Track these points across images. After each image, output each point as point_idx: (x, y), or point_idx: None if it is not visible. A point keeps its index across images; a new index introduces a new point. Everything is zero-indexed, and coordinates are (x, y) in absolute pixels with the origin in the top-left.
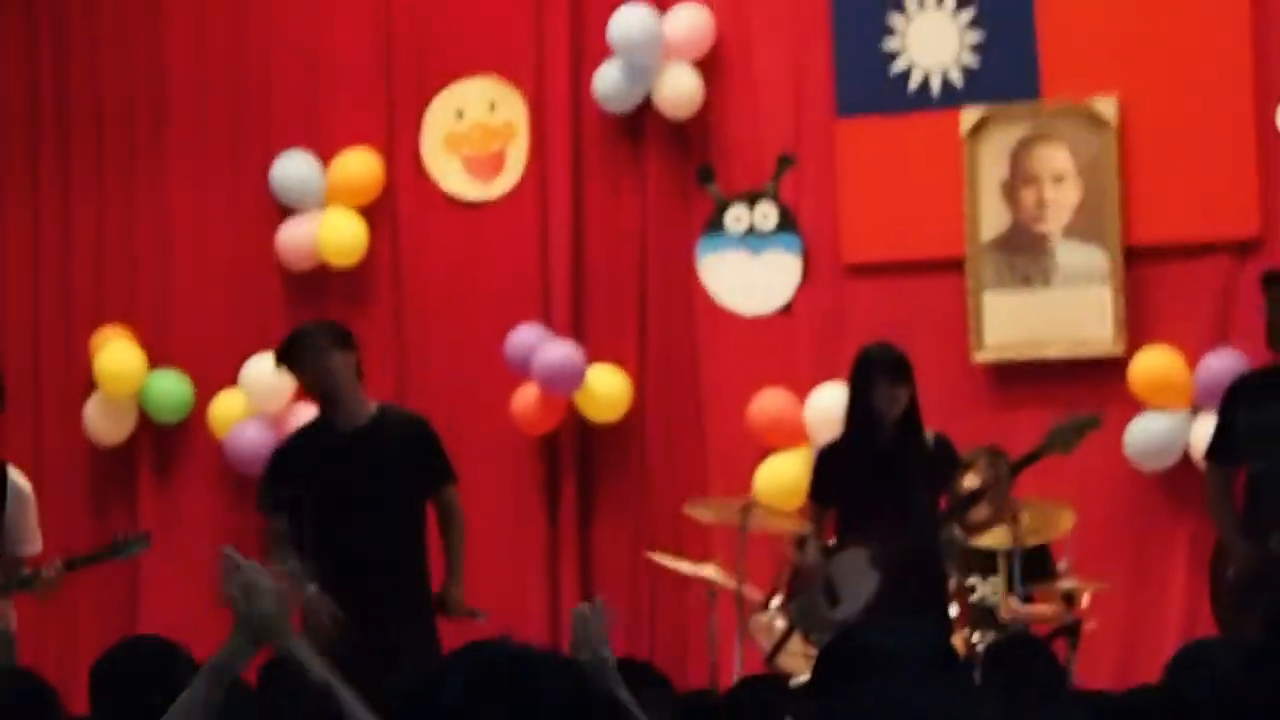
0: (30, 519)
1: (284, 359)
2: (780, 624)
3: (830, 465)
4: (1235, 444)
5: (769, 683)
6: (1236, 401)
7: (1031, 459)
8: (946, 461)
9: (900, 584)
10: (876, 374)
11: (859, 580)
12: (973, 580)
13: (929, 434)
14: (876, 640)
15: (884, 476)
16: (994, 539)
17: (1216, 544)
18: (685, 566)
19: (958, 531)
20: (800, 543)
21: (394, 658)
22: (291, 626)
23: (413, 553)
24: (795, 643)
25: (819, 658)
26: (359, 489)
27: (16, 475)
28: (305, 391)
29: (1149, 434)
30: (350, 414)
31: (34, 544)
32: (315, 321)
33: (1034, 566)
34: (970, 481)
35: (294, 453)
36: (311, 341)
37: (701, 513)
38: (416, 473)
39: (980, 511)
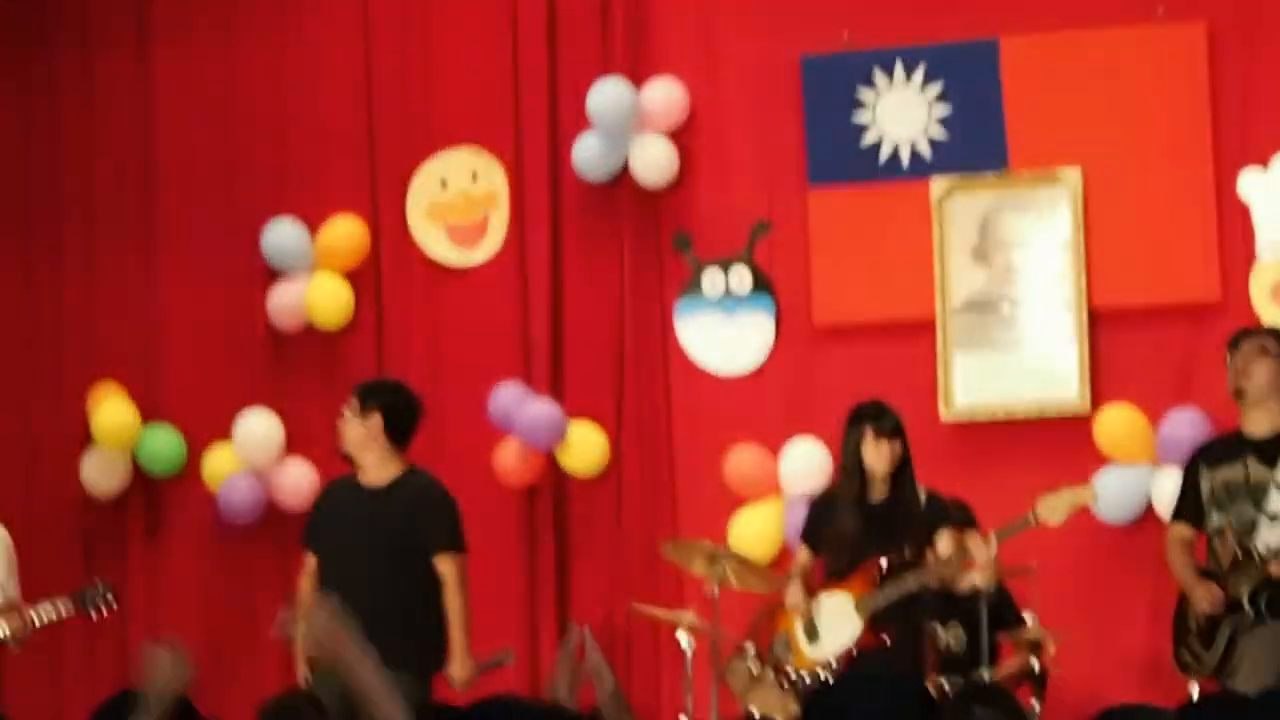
0: (7, 566)
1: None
2: (755, 667)
3: (823, 513)
4: (1199, 505)
5: None
6: (1198, 466)
7: (1020, 527)
8: (936, 518)
9: (873, 630)
10: (866, 429)
11: (840, 621)
12: (935, 626)
13: (922, 490)
14: (855, 689)
15: (871, 529)
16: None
17: (1180, 597)
18: (663, 614)
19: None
20: (787, 580)
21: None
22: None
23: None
24: (768, 685)
25: (804, 708)
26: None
27: None
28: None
29: (1113, 488)
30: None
31: (11, 591)
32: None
33: (1000, 613)
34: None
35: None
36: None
37: (678, 552)
38: (419, 535)
39: (965, 579)
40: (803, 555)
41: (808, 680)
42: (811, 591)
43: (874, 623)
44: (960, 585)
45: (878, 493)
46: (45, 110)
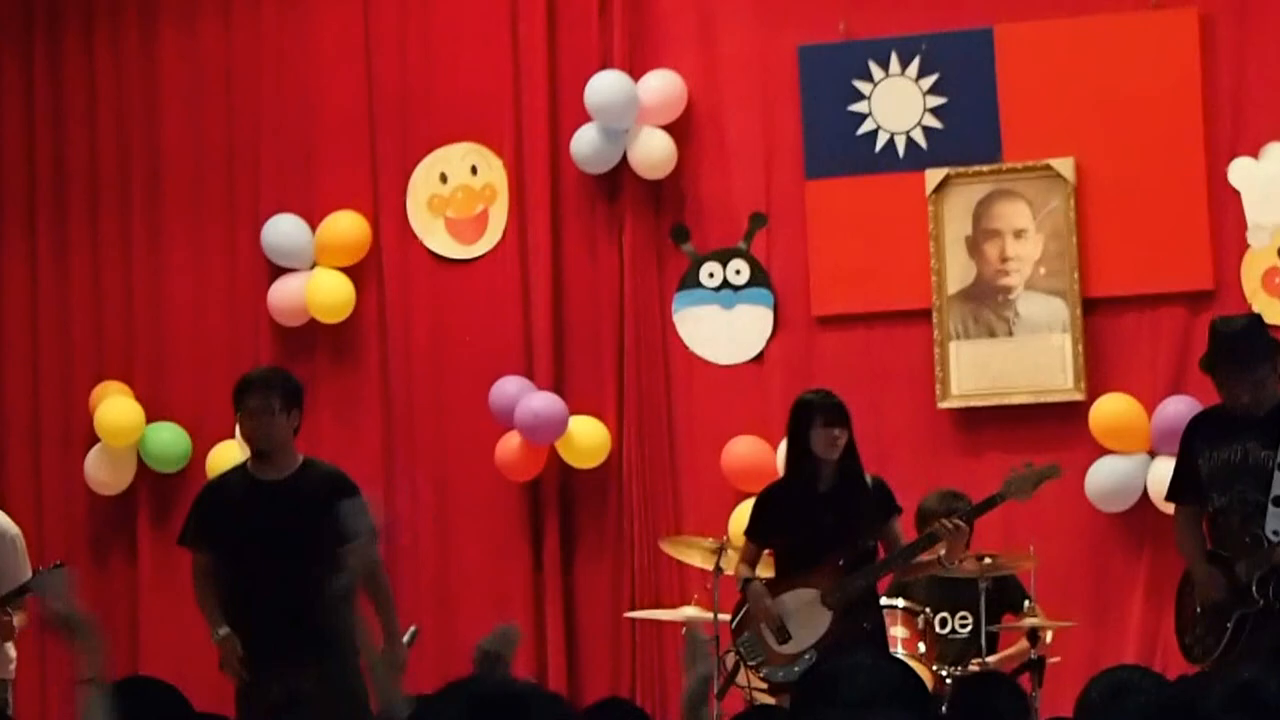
0: (18, 558)
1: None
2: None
3: (770, 506)
4: (1197, 482)
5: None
6: (1194, 442)
7: (988, 506)
8: (884, 504)
9: (843, 622)
10: (814, 418)
11: (809, 618)
12: (943, 614)
13: (868, 477)
14: (848, 675)
15: (824, 518)
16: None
17: (1183, 576)
18: (663, 614)
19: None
20: (744, 584)
21: (299, 702)
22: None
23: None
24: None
25: (795, 693)
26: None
27: (1, 517)
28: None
29: (1109, 477)
30: (278, 465)
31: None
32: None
33: (1005, 599)
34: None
35: (217, 494)
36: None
37: (677, 549)
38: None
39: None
40: (750, 550)
41: (783, 675)
42: (772, 589)
43: (842, 614)
44: (960, 570)
45: (826, 482)
46: (48, 112)
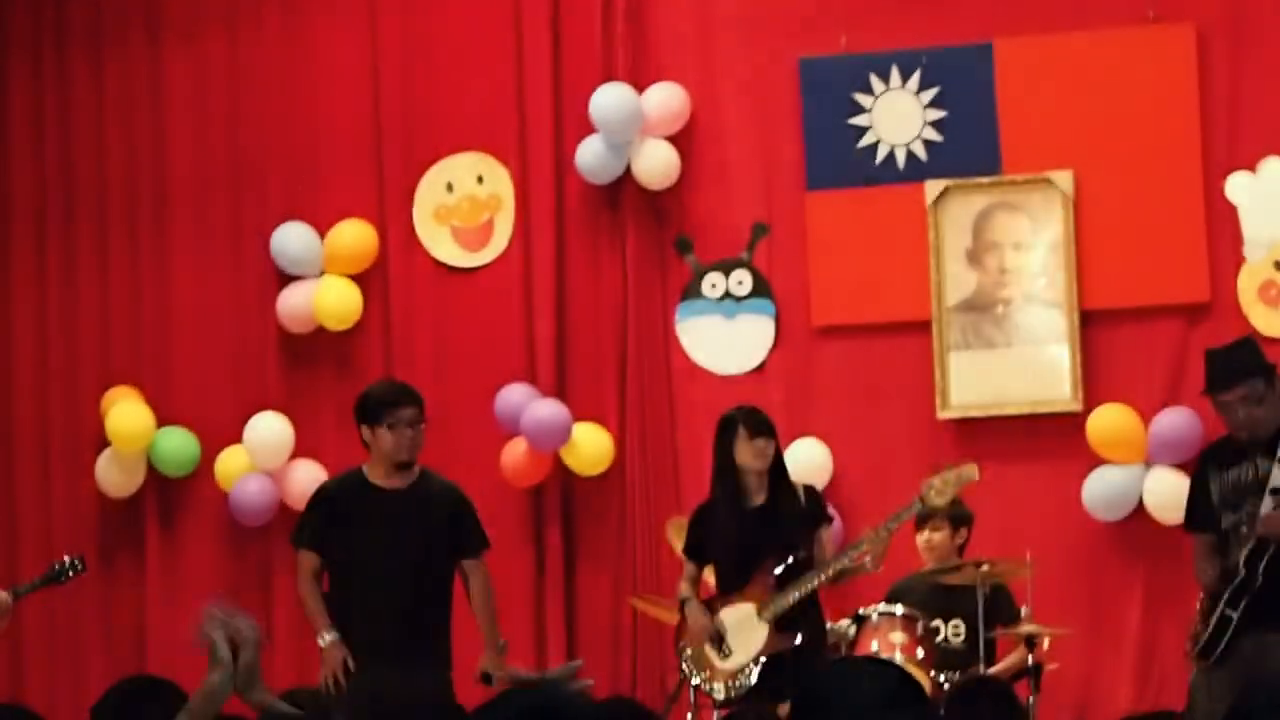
0: None
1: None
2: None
3: (703, 524)
4: (1210, 510)
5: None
6: (1207, 471)
7: (908, 513)
8: (814, 514)
9: (779, 634)
10: (740, 430)
11: (747, 632)
12: (936, 623)
13: (799, 486)
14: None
15: (756, 532)
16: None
17: (1200, 604)
18: (664, 615)
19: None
20: (682, 604)
21: (406, 708)
22: (260, 679)
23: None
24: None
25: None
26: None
27: None
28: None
29: (1105, 486)
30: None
31: None
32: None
33: (998, 612)
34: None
35: (337, 500)
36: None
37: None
38: (446, 537)
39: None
40: (689, 569)
41: (726, 691)
42: (708, 604)
43: (779, 626)
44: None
45: (756, 496)
46: (60, 121)
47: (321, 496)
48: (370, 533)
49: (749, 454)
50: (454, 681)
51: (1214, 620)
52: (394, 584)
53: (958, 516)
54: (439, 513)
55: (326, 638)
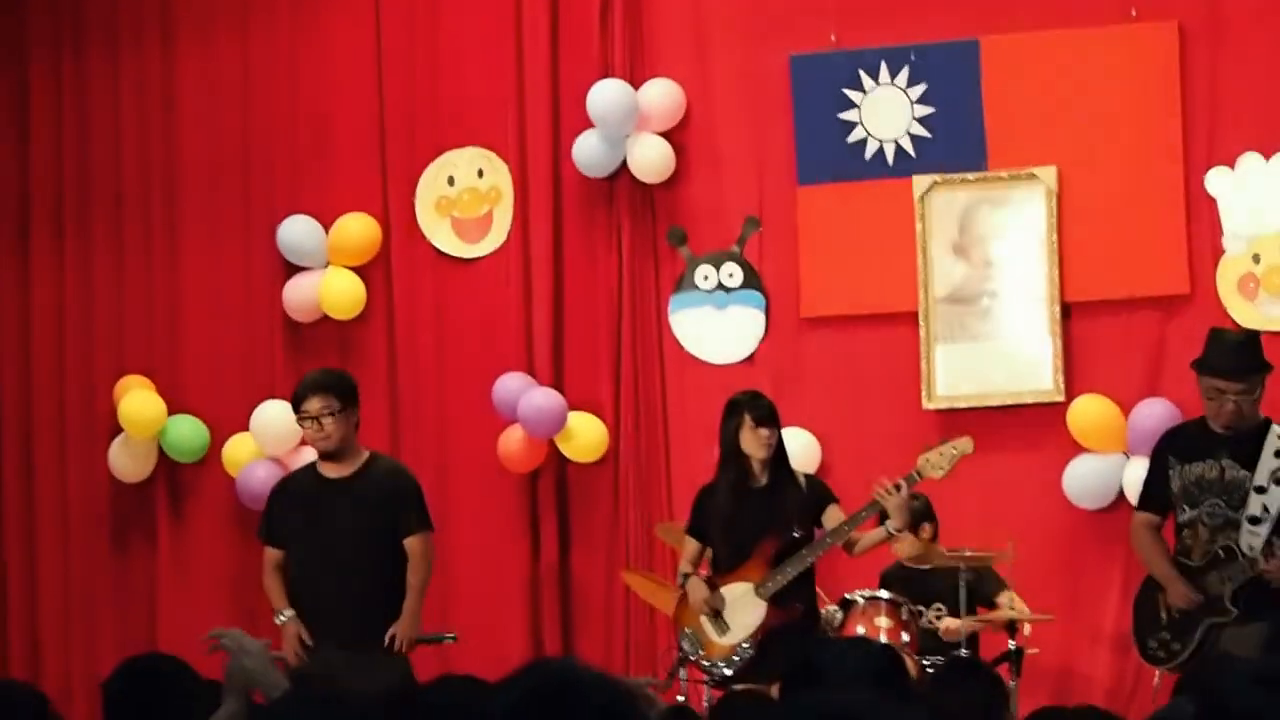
0: None
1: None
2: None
3: (706, 504)
4: (1166, 497)
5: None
6: (1166, 456)
7: (909, 482)
8: (823, 495)
9: (776, 611)
10: (745, 418)
11: (745, 609)
12: (919, 606)
13: (801, 476)
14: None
15: (757, 512)
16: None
17: (1145, 580)
18: (655, 590)
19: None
20: (683, 580)
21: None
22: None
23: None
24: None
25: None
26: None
27: None
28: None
29: (1086, 475)
30: (344, 463)
31: None
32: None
33: (981, 590)
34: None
35: (287, 493)
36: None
37: (670, 536)
38: (384, 521)
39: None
40: (691, 548)
41: (723, 667)
42: (708, 583)
43: (776, 604)
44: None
45: (758, 479)
46: (75, 121)
47: (275, 491)
48: (316, 522)
49: (752, 442)
50: (410, 660)
51: (1193, 647)
52: (340, 570)
53: (915, 513)
54: (377, 498)
55: (283, 616)
